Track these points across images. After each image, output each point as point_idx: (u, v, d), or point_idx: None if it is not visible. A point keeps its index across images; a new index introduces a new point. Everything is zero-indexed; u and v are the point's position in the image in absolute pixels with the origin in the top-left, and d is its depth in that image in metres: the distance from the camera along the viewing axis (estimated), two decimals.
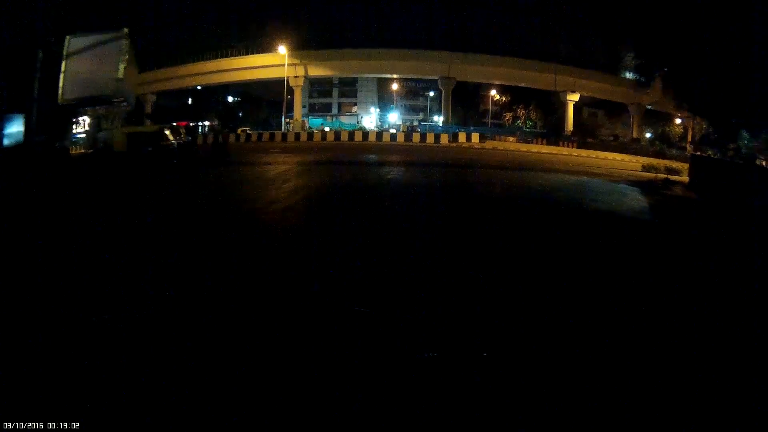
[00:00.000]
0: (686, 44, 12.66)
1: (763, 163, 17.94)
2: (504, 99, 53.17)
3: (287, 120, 43.94)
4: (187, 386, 2.61)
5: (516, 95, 50.33)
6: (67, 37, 14.36)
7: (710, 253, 6.49)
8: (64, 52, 14.35)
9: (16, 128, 11.83)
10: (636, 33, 17.66)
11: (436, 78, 43.63)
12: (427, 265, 5.21)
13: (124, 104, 15.36)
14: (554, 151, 28.33)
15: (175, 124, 16.69)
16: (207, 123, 47.32)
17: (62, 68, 14.42)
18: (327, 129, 42.35)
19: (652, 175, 16.97)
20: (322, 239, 6.20)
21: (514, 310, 4.06)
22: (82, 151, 16.64)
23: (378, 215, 7.84)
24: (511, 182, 13.10)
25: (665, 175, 16.18)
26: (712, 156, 18.91)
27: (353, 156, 19.46)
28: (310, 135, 35.45)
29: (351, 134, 33.78)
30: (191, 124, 31.26)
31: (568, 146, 31.99)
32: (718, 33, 10.55)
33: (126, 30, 14.99)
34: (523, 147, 30.96)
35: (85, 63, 14.34)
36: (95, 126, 16.26)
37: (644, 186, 12.97)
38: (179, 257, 5.39)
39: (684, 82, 15.64)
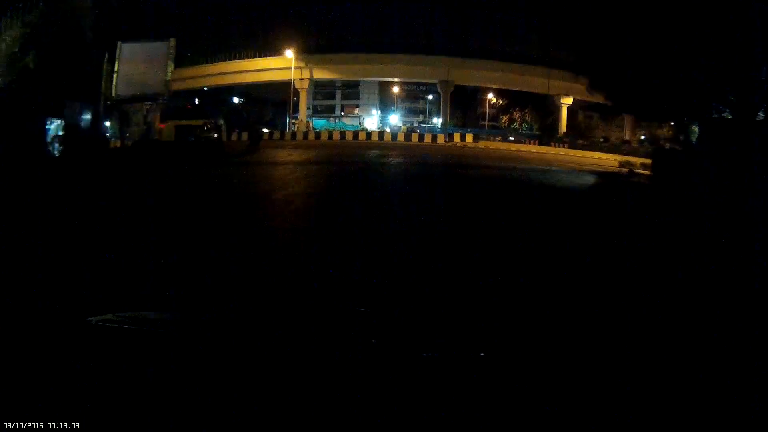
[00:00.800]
0: (613, 43, 14.67)
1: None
2: (501, 102, 55.82)
3: (293, 121, 46.54)
4: (187, 385, 2.45)
5: (512, 98, 52.88)
6: (119, 42, 17.08)
7: (622, 215, 9.11)
8: (117, 56, 17.09)
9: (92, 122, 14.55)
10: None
11: (436, 82, 46.19)
12: (415, 224, 7.79)
13: (162, 101, 18.20)
14: (542, 150, 30.98)
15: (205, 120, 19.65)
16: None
17: (115, 69, 17.13)
18: (332, 129, 45.01)
19: (624, 168, 19.60)
20: (340, 208, 8.82)
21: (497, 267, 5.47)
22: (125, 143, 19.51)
23: (379, 189, 10.50)
24: (484, 170, 15.91)
25: (634, 168, 18.81)
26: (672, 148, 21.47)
27: (360, 151, 22.23)
28: (318, 134, 38.13)
29: (355, 134, 36.48)
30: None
31: (559, 147, 34.57)
32: (641, 35, 12.52)
33: (173, 40, 17.76)
34: (513, 147, 33.66)
35: (137, 65, 17.12)
36: (141, 120, 19.03)
37: (604, 175, 15.67)
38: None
39: (609, 81, 17.96)
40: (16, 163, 10.76)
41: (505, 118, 56.57)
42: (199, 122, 17.07)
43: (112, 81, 16.87)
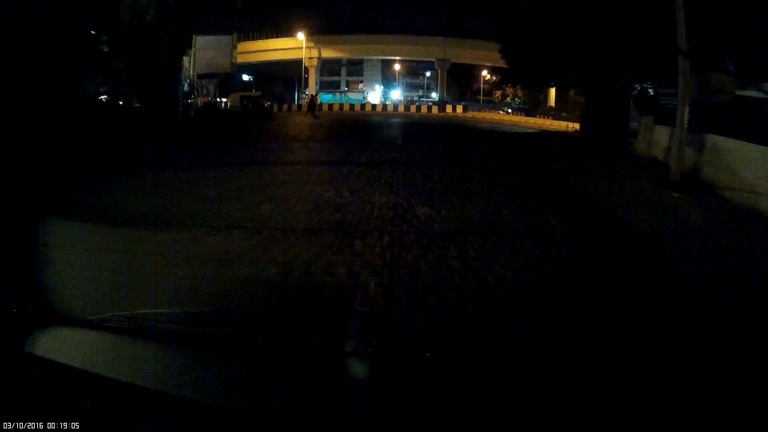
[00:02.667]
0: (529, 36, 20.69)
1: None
2: (495, 78, 61.58)
3: (303, 95, 52.50)
4: (187, 385, 3.19)
5: (506, 75, 58.59)
6: (194, 35, 23.61)
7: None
8: (194, 45, 23.63)
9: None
10: None
11: (433, 60, 52.04)
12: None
13: (225, 77, 25.37)
14: (521, 120, 37.31)
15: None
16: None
17: (194, 55, 23.74)
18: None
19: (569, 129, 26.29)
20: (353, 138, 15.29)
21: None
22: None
23: (387, 137, 17.03)
24: (461, 130, 22.64)
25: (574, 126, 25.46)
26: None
27: (370, 118, 28.95)
28: (330, 106, 44.25)
29: (362, 106, 42.67)
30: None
31: (544, 118, 40.80)
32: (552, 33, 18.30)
33: (235, 33, 24.49)
34: (496, 116, 39.99)
35: (210, 52, 24.00)
36: (212, 91, 26.00)
37: (553, 132, 22.47)
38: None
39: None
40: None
41: (498, 93, 62.42)
42: (257, 94, 23.29)
43: (192, 63, 23.40)
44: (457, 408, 1.23)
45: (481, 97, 63.25)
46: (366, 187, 7.81)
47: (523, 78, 26.74)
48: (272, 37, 52.13)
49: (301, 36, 47.22)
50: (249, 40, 52.79)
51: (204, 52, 26.19)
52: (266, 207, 6.36)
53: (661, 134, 12.62)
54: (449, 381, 1.46)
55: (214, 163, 10.76)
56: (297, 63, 49.12)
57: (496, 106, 56.87)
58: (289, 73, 54.99)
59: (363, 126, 24.06)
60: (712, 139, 9.66)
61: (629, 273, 4.24)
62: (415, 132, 21.27)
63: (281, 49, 51.64)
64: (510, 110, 51.45)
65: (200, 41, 24.80)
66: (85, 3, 15.09)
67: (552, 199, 7.73)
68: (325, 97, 60.90)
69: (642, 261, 4.66)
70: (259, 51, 53.33)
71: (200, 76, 24.82)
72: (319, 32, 49.72)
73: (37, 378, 1.48)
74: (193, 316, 2.32)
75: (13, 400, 1.38)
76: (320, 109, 34.22)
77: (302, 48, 47.66)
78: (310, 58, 50.59)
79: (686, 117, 9.44)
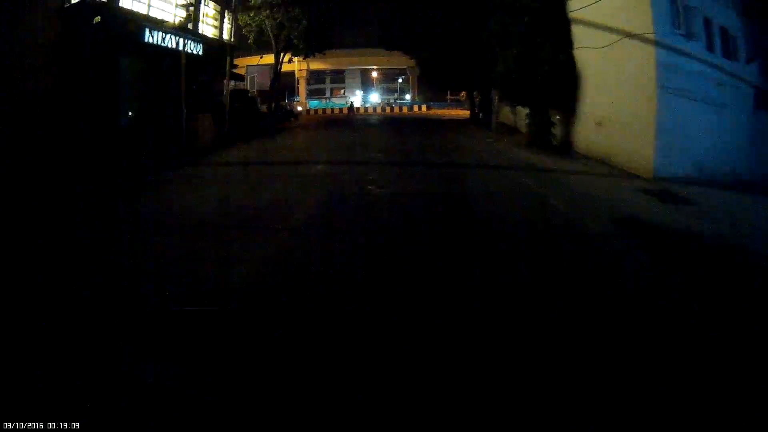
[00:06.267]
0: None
1: None
2: None
3: (295, 102, 65.50)
4: (187, 386, 3.35)
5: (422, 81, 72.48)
6: (247, 66, 36.68)
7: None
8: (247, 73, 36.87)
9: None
10: None
11: (406, 68, 65.37)
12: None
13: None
14: (459, 112, 50.91)
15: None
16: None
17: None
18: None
19: None
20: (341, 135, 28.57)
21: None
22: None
23: (364, 126, 30.27)
24: (414, 120, 35.96)
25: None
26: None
27: (353, 117, 42.34)
28: (316, 111, 57.22)
29: (341, 110, 55.90)
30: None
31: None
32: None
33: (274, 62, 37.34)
34: (444, 111, 53.61)
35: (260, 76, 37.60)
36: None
37: (465, 118, 36.03)
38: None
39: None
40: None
41: (464, 93, 75.91)
42: (284, 102, 36.04)
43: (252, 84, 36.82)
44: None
45: (449, 97, 76.81)
46: (354, 135, 21.20)
47: (433, 84, 40.86)
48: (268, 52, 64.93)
49: None
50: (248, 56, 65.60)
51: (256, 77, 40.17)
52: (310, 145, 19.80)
53: (503, 111, 26.13)
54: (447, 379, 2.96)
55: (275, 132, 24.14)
56: (290, 74, 62.06)
57: (460, 104, 70.26)
58: (281, 82, 68.08)
59: (348, 122, 37.19)
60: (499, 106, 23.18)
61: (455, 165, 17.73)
62: (384, 122, 35.28)
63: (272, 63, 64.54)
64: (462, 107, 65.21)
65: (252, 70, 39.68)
66: None
67: (434, 140, 21.04)
68: (312, 103, 73.79)
69: (465, 157, 18.05)
70: (257, 65, 65.99)
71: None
72: None
73: None
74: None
75: None
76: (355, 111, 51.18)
77: (295, 62, 60.65)
78: (300, 70, 63.56)
79: (496, 102, 22.86)
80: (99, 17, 15.10)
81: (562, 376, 3.91)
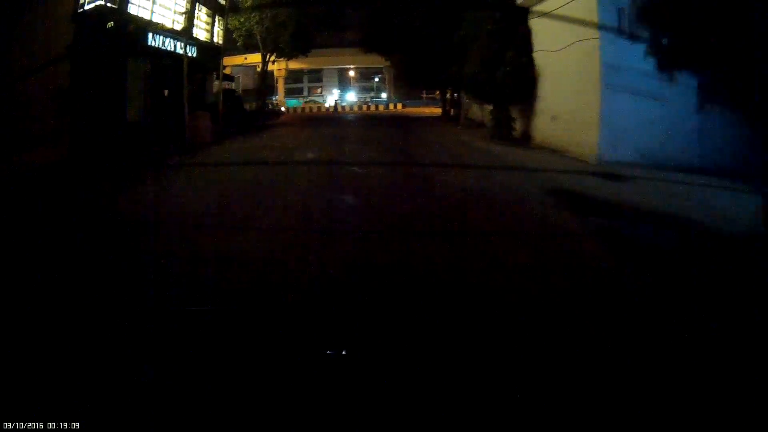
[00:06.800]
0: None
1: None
2: None
3: (274, 100, 67.37)
4: (187, 387, 3.39)
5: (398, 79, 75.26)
6: (233, 68, 38.66)
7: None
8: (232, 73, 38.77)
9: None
10: None
11: (382, 67, 67.68)
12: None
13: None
14: (432, 110, 53.40)
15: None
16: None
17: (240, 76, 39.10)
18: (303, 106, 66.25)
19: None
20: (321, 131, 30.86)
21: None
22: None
23: (344, 122, 32.55)
24: (390, 117, 38.40)
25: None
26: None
27: (331, 116, 44.55)
28: (295, 109, 59.24)
29: (326, 109, 58.00)
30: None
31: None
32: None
33: (259, 65, 39.05)
34: (419, 109, 56.05)
35: (243, 77, 39.19)
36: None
37: (437, 115, 38.69)
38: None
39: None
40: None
41: (438, 92, 78.57)
42: (272, 100, 38.05)
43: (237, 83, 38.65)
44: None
45: (424, 96, 79.42)
46: (336, 130, 23.48)
47: (409, 83, 43.47)
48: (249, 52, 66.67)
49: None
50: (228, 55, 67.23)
51: (241, 78, 42.29)
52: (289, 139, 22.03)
53: (472, 108, 28.61)
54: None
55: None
56: (269, 73, 63.89)
57: (435, 102, 72.92)
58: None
59: (329, 119, 39.58)
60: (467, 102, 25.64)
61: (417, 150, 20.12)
62: (362, 119, 37.75)
63: (256, 63, 66.23)
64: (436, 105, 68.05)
65: (238, 71, 41.50)
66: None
67: (406, 133, 23.38)
68: (290, 102, 75.57)
69: (432, 147, 20.44)
70: (239, 65, 67.66)
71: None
72: None
73: None
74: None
75: None
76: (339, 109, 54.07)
77: (275, 62, 62.52)
78: (280, 69, 65.43)
79: (465, 100, 25.26)
80: (112, 22, 16.98)
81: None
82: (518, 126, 21.72)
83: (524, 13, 21.15)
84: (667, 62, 7.62)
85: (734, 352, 4.06)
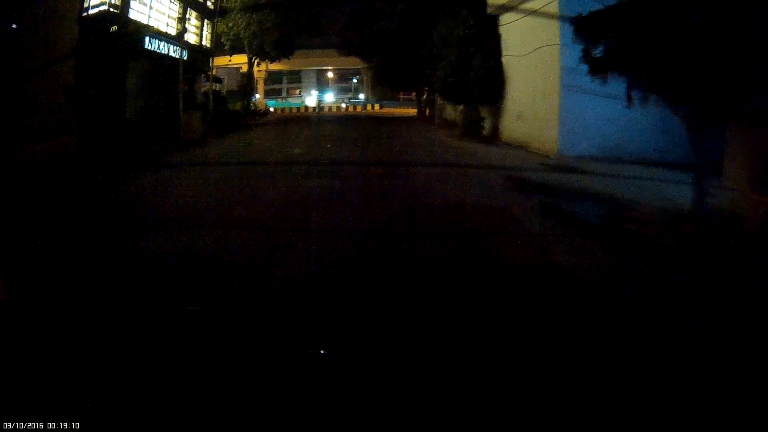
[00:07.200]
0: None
1: None
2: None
3: (253, 101, 68.55)
4: (187, 387, 3.39)
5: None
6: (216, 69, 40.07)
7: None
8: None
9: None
10: None
11: (360, 68, 69.45)
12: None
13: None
14: (409, 111, 55.47)
15: None
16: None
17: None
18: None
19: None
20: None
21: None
22: None
23: (325, 122, 34.38)
24: (368, 117, 40.43)
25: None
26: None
27: (310, 116, 46.38)
28: (275, 110, 60.71)
29: (306, 109, 59.58)
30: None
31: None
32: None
33: (244, 66, 40.25)
34: (396, 110, 58.17)
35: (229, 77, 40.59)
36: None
37: (413, 115, 40.73)
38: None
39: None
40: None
41: (414, 93, 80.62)
42: (254, 101, 40.07)
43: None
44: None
45: (401, 96, 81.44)
46: (318, 128, 25.35)
47: (386, 84, 45.51)
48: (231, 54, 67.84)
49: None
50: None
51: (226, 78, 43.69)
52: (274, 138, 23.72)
53: (447, 108, 30.67)
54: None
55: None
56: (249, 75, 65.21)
57: (411, 102, 74.96)
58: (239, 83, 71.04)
59: (310, 119, 41.54)
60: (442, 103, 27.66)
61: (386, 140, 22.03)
62: (341, 119, 40.06)
63: (239, 64, 67.44)
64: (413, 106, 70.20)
65: (222, 72, 42.97)
66: None
67: (383, 132, 25.24)
68: (270, 102, 76.63)
69: (408, 144, 22.34)
70: (222, 66, 68.68)
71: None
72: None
73: None
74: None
75: None
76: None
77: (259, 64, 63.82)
78: (260, 70, 66.65)
79: (438, 101, 27.25)
80: (116, 26, 18.48)
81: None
82: (488, 125, 23.74)
83: (494, 20, 23.19)
84: (596, 68, 9.40)
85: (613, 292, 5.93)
